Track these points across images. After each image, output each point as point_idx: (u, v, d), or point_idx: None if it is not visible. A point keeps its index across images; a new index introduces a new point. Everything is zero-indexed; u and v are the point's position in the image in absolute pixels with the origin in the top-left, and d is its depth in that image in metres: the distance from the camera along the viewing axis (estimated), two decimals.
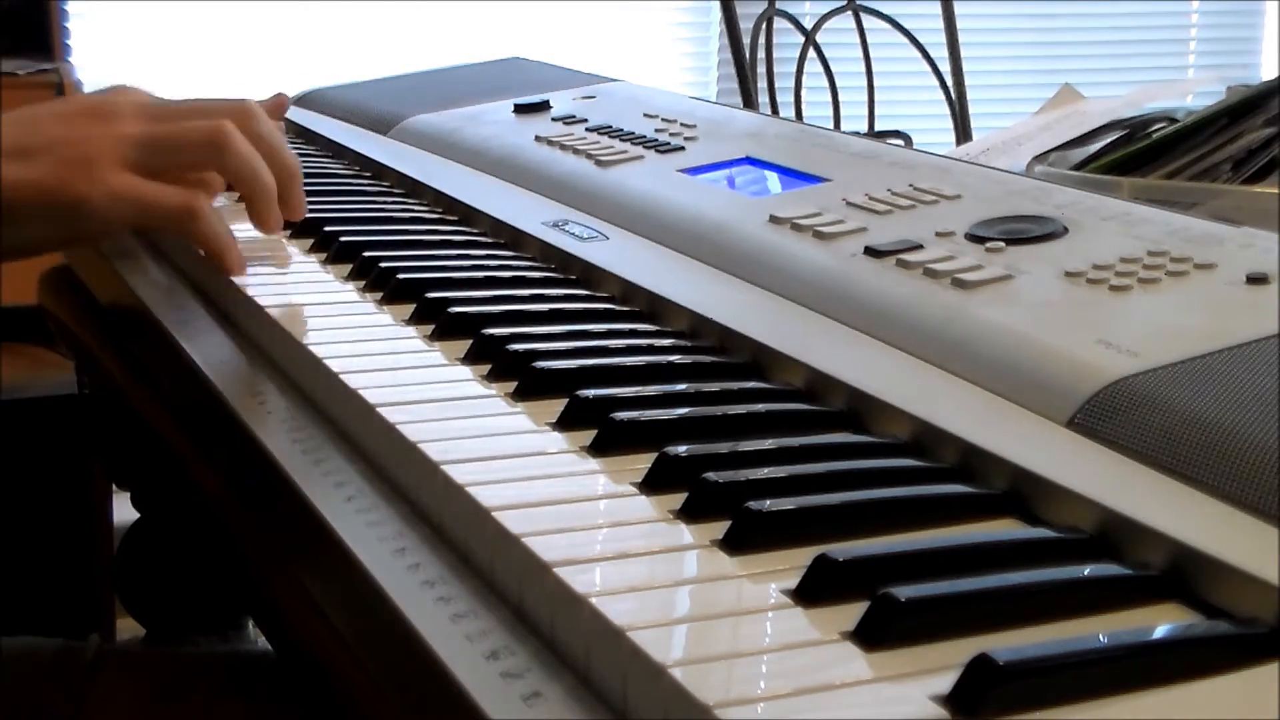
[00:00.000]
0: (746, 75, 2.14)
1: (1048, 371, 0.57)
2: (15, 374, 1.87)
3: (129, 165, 0.74)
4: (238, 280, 0.78)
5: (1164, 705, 0.38)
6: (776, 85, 2.24)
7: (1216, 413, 0.51)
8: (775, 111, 2.20)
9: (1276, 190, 0.94)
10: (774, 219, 0.78)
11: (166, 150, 0.76)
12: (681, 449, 0.53)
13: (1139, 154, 1.05)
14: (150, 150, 0.75)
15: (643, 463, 0.53)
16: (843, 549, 0.45)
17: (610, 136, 0.99)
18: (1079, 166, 1.08)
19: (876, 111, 2.30)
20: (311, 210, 0.87)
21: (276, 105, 1.10)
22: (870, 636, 0.41)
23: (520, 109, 1.12)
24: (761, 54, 2.22)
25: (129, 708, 0.86)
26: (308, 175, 1.06)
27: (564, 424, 0.58)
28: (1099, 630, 0.42)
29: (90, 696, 0.85)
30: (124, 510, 1.34)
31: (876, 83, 2.29)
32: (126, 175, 0.74)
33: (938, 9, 2.28)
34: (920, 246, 0.70)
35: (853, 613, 0.42)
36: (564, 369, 0.62)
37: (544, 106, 1.12)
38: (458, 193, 0.96)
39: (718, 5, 2.40)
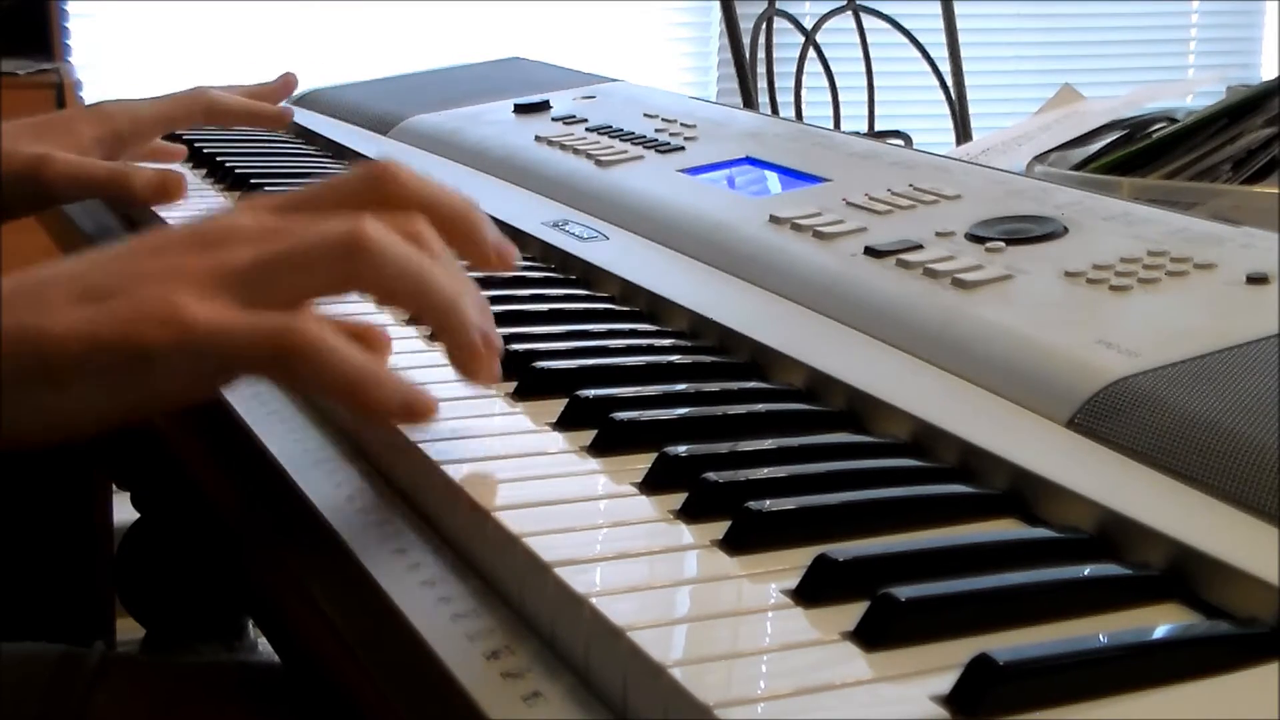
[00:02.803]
0: (746, 75, 2.14)
1: (1048, 371, 0.57)
2: None
3: (231, 300, 0.50)
4: None
5: (1164, 705, 0.39)
6: (776, 85, 2.24)
7: (1216, 413, 0.51)
8: (775, 111, 2.20)
9: (1276, 190, 0.94)
10: (774, 219, 0.78)
11: (282, 271, 0.51)
12: (681, 449, 0.53)
13: (1139, 154, 1.05)
14: (261, 275, 0.51)
15: (643, 463, 0.53)
16: (843, 549, 0.45)
17: (610, 136, 0.99)
18: (1079, 166, 1.08)
19: (876, 111, 2.30)
20: None
21: (284, 85, 1.10)
22: (870, 636, 0.41)
23: (520, 109, 1.12)
24: (761, 54, 2.21)
25: (132, 717, 0.86)
26: (308, 175, 1.07)
27: (564, 424, 0.58)
28: (1099, 630, 0.42)
29: (93, 705, 0.85)
30: (124, 510, 1.34)
31: (876, 83, 2.29)
32: (219, 310, 0.50)
33: (938, 9, 2.28)
34: (920, 246, 0.70)
35: (853, 613, 0.42)
36: (564, 369, 0.62)
37: (544, 106, 1.12)
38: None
39: (718, 5, 2.40)
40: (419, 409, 0.52)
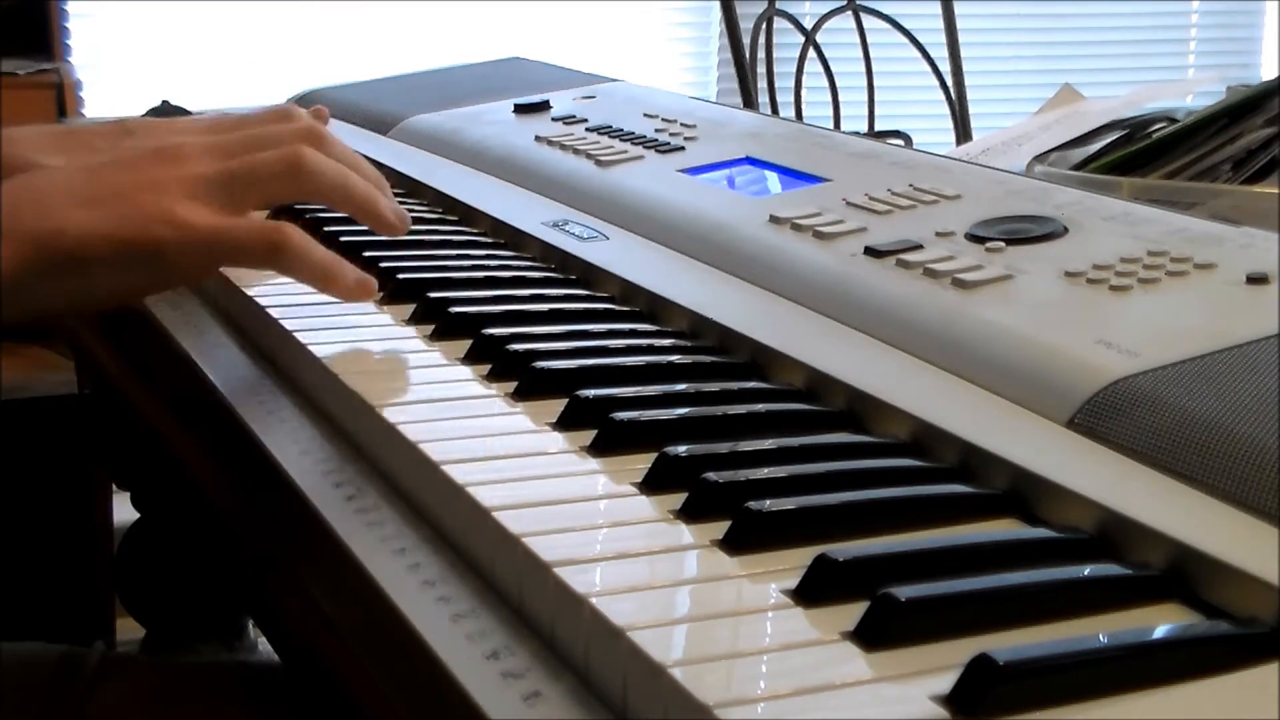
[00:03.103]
0: (746, 75, 2.14)
1: (1048, 371, 0.57)
2: (15, 374, 1.86)
3: (207, 205, 0.67)
4: (235, 281, 0.78)
5: (1164, 705, 0.39)
6: (776, 85, 2.24)
7: (1216, 413, 0.51)
8: (775, 111, 2.20)
9: (1276, 190, 0.94)
10: (774, 219, 0.78)
11: (244, 184, 0.69)
12: (681, 449, 0.53)
13: (1139, 154, 1.05)
14: (227, 187, 0.68)
15: (643, 463, 0.53)
16: (843, 549, 0.45)
17: (610, 136, 0.99)
18: (1079, 166, 1.08)
19: (876, 111, 2.30)
20: (311, 210, 0.87)
21: (316, 115, 1.12)
22: (870, 636, 0.41)
23: (520, 109, 1.12)
24: (761, 54, 2.21)
25: (133, 716, 0.86)
26: None
27: (564, 424, 0.58)
28: (1099, 630, 0.42)
29: (93, 705, 0.85)
30: (124, 510, 1.34)
31: (876, 83, 2.29)
32: (207, 214, 0.67)
33: (938, 9, 2.28)
34: (920, 246, 0.70)
35: (853, 613, 0.42)
36: (564, 369, 0.62)
37: (544, 106, 1.12)
38: (458, 193, 0.96)
39: (718, 5, 2.40)
40: (368, 285, 0.70)
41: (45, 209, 0.65)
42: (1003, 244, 0.69)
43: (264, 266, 0.69)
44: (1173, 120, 1.11)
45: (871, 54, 2.29)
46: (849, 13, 2.30)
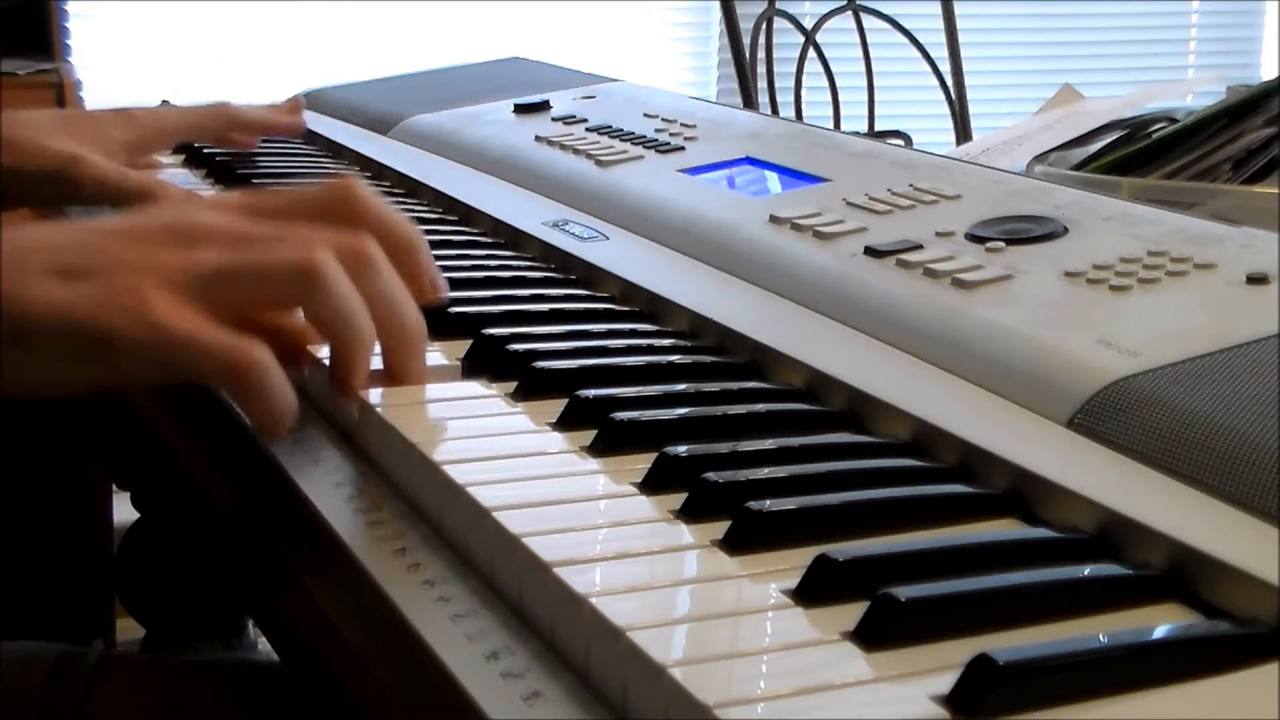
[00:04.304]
0: (746, 75, 2.14)
1: (1048, 371, 0.57)
2: None
3: (196, 301, 0.56)
4: None
5: (1164, 705, 0.39)
6: (776, 85, 2.24)
7: (1216, 413, 0.51)
8: (775, 111, 2.20)
9: (1276, 190, 0.94)
10: (774, 219, 0.78)
11: (244, 283, 0.58)
12: (681, 449, 0.53)
13: (1139, 154, 1.05)
14: (224, 283, 0.57)
15: (643, 463, 0.53)
16: (843, 549, 0.45)
17: (610, 136, 0.99)
18: (1079, 166, 1.08)
19: (876, 111, 2.30)
20: None
21: (294, 107, 1.14)
22: (870, 636, 0.41)
23: (520, 109, 1.12)
24: (761, 54, 2.22)
25: (132, 715, 0.86)
26: (307, 175, 1.07)
27: (564, 424, 0.58)
28: (1099, 630, 0.42)
29: (92, 704, 0.85)
30: (124, 510, 1.34)
31: (876, 83, 2.29)
32: (181, 312, 0.56)
33: (938, 9, 2.28)
34: (920, 246, 0.70)
35: (853, 613, 0.42)
36: (564, 369, 0.62)
37: (544, 106, 1.12)
38: (458, 193, 0.96)
39: (718, 5, 2.40)
40: (271, 432, 0.59)
41: (21, 267, 0.56)
42: (1003, 244, 0.69)
43: (223, 386, 0.59)
44: (1173, 120, 1.11)
45: (871, 54, 2.29)
46: (849, 13, 2.30)
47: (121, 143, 0.98)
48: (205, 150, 1.11)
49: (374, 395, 0.60)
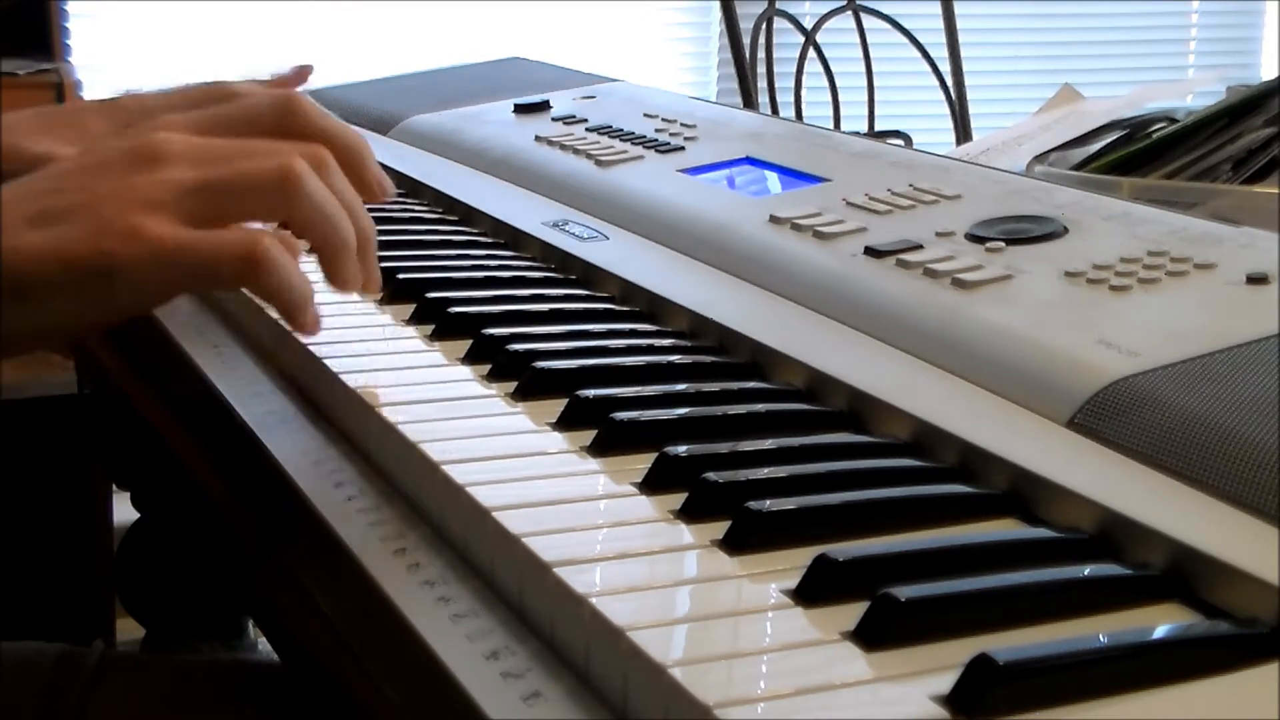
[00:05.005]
0: (746, 75, 2.14)
1: (1048, 371, 0.57)
2: (15, 374, 1.86)
3: (180, 217, 0.57)
4: None
5: (1164, 705, 0.39)
6: (776, 85, 2.24)
7: (1216, 413, 0.51)
8: (775, 111, 2.20)
9: (1276, 190, 0.94)
10: (774, 219, 0.78)
11: (224, 197, 0.59)
12: (681, 449, 0.53)
13: (1139, 154, 1.05)
14: (203, 197, 0.58)
15: (643, 463, 0.53)
16: (843, 549, 0.45)
17: (610, 136, 0.99)
18: (1079, 166, 1.08)
19: (876, 111, 2.30)
20: None
21: (298, 76, 1.10)
22: (870, 636, 0.41)
23: (520, 109, 1.12)
24: (761, 54, 2.22)
25: (132, 715, 0.86)
26: None
27: (564, 424, 0.58)
28: (1099, 630, 0.42)
29: (92, 704, 0.85)
30: (124, 510, 1.34)
31: (876, 83, 2.29)
32: (175, 228, 0.57)
33: (938, 9, 2.28)
34: (920, 246, 0.70)
35: (853, 613, 0.42)
36: (564, 369, 0.62)
37: (544, 106, 1.12)
38: (458, 193, 0.96)
39: (718, 5, 2.40)
40: (315, 329, 0.61)
41: None
42: (1003, 244, 0.69)
43: (236, 286, 0.60)
44: (1173, 120, 1.11)
45: (871, 54, 2.29)
46: (849, 13, 2.30)
47: (104, 136, 0.96)
48: None
49: (372, 395, 0.60)
